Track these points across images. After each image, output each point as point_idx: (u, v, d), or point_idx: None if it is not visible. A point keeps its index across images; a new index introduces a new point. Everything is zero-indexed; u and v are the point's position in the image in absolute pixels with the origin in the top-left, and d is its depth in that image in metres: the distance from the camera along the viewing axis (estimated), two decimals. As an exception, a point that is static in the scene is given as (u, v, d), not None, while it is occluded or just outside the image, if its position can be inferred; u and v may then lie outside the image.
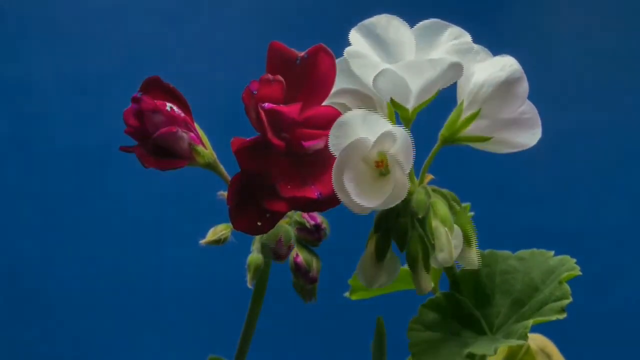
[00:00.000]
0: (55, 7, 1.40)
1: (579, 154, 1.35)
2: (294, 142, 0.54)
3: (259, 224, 0.54)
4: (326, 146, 0.53)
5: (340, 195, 0.51)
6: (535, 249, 0.63)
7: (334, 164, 0.51)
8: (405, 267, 0.72)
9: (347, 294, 0.72)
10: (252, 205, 0.54)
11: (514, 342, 0.53)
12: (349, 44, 0.55)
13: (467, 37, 0.55)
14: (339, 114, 0.53)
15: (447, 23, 0.55)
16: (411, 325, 0.60)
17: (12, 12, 1.40)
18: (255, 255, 0.63)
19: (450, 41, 0.54)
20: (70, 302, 1.36)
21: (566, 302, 0.55)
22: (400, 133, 0.51)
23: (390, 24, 0.54)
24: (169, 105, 0.58)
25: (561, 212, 1.35)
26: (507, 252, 0.64)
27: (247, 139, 0.55)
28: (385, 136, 0.51)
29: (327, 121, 0.54)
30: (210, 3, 1.43)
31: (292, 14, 1.42)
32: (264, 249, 0.61)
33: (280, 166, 0.54)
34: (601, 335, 1.29)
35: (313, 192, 0.54)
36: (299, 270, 0.63)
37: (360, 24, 0.54)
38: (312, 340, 1.33)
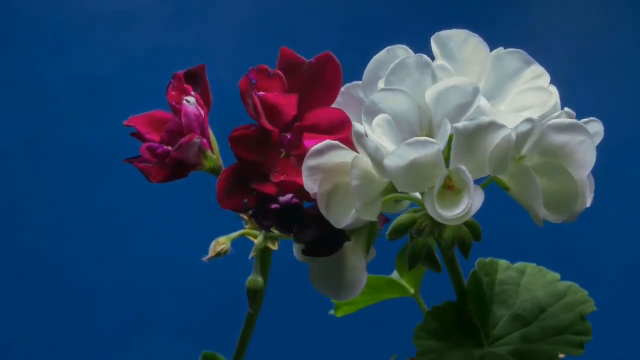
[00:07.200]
0: (65, 12, 1.40)
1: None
2: (296, 142, 0.54)
3: (245, 200, 0.54)
4: None
5: None
6: (534, 265, 0.63)
7: None
8: (390, 276, 0.71)
9: (332, 312, 0.71)
10: (240, 187, 0.54)
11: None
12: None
13: (546, 78, 0.53)
14: (344, 116, 0.53)
15: (531, 58, 0.53)
16: (416, 332, 0.59)
17: (24, 17, 1.40)
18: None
19: (531, 81, 0.53)
20: (71, 301, 1.35)
21: (586, 339, 0.56)
22: None
23: (467, 41, 0.53)
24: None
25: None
26: (505, 262, 0.64)
27: (244, 126, 0.54)
28: None
29: (331, 122, 0.54)
30: (218, 8, 1.43)
31: (294, 19, 1.43)
32: None
33: (277, 161, 0.54)
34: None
35: None
36: None
37: (437, 33, 0.53)
38: (310, 343, 1.32)
